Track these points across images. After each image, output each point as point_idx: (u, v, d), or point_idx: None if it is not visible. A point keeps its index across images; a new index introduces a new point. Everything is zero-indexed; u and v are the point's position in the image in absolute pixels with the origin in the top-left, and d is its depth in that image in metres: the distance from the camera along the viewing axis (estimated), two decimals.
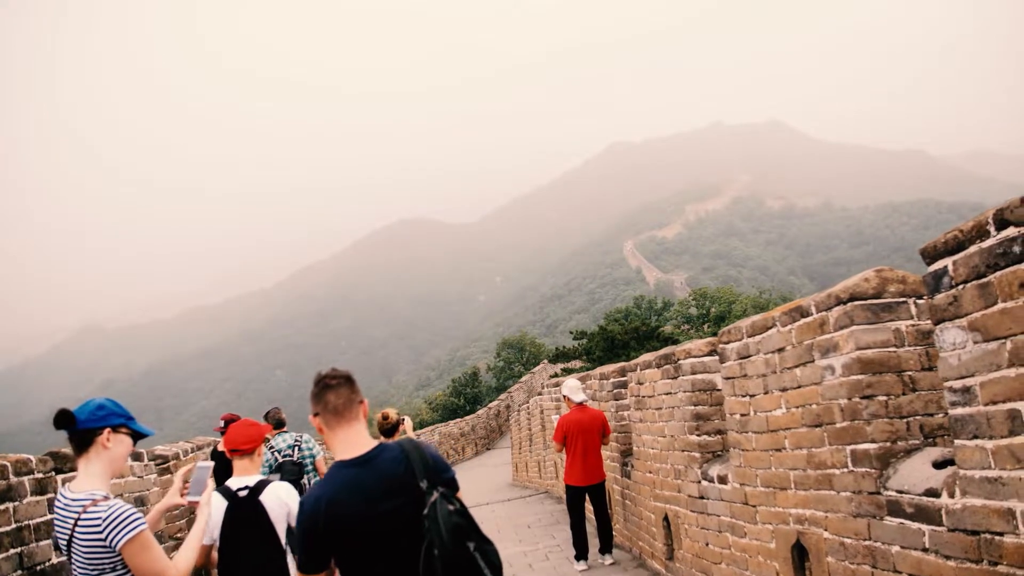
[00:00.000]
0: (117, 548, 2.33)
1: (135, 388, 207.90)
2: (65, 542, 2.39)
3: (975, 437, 2.23)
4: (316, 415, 2.34)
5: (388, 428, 5.50)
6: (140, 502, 5.05)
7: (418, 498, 2.21)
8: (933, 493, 2.49)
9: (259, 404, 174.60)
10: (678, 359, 4.64)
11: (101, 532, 2.32)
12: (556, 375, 25.97)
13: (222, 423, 6.43)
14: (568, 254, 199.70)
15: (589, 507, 6.59)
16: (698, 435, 4.48)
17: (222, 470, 5.76)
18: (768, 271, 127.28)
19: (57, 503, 2.44)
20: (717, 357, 4.15)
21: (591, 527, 6.85)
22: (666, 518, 5.14)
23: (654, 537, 5.50)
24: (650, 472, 5.42)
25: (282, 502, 3.39)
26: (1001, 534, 2.16)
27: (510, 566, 6.87)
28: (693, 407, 4.49)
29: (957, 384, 2.29)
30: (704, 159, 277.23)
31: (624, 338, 21.88)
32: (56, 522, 2.44)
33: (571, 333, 27.79)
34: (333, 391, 2.31)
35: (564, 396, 6.36)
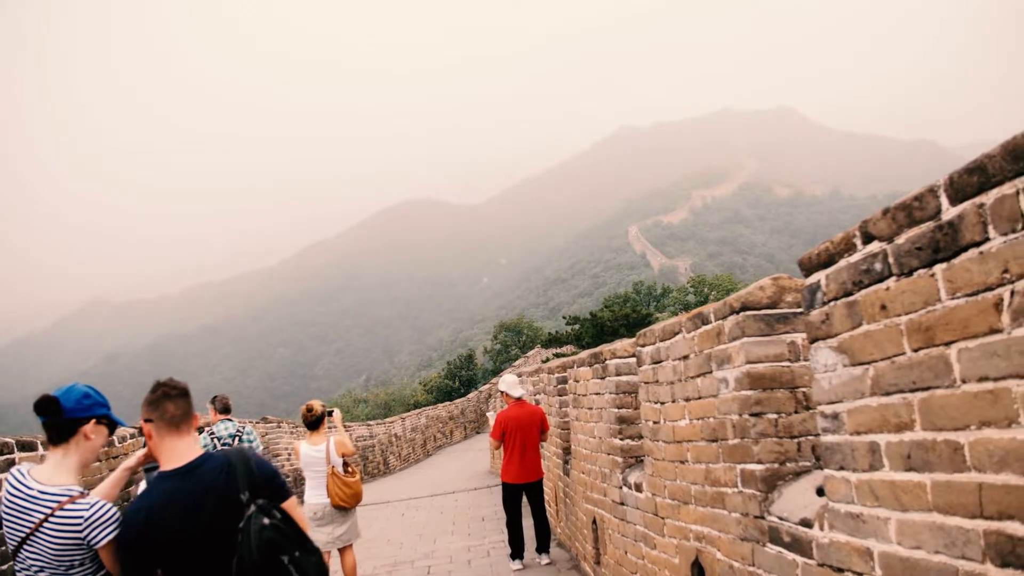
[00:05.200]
0: (98, 546, 2.24)
1: (138, 362, 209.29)
2: (23, 535, 2.24)
3: (841, 468, 2.05)
4: (148, 421, 2.30)
5: (312, 420, 5.38)
6: None
7: (237, 510, 2.22)
8: (807, 523, 2.31)
9: (261, 381, 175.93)
10: (605, 359, 4.46)
11: (81, 530, 2.22)
12: (548, 359, 25.79)
13: None
14: (573, 237, 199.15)
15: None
16: (621, 439, 4.31)
17: None
18: (774, 259, 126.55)
19: (13, 494, 2.29)
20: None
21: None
22: (594, 521, 4.99)
23: (585, 539, 5.36)
24: (583, 473, 5.26)
25: None
26: (861, 574, 1.99)
27: (450, 562, 6.79)
28: (617, 410, 4.32)
29: (828, 409, 2.11)
30: (712, 145, 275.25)
31: (614, 325, 21.69)
32: (12, 514, 2.28)
33: (564, 318, 27.60)
34: (173, 401, 2.31)
35: (502, 392, 6.20)
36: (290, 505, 2.37)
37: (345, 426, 18.36)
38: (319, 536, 5.44)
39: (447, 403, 28.81)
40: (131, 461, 2.77)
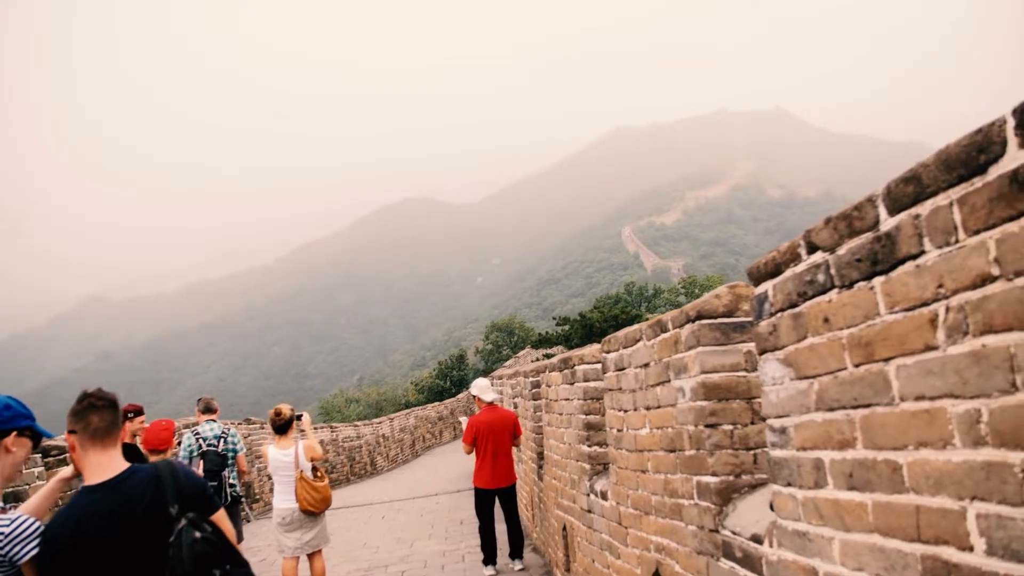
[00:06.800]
0: (20, 563, 2.16)
1: (135, 360, 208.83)
2: None
3: (789, 485, 1.99)
4: (72, 433, 2.24)
5: (281, 424, 5.32)
6: (15, 497, 4.83)
7: (167, 524, 2.17)
8: (758, 539, 2.25)
9: (256, 380, 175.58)
10: (574, 364, 4.40)
11: (2, 546, 2.13)
12: (538, 360, 25.70)
13: (129, 414, 6.21)
14: (568, 237, 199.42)
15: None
16: (589, 445, 4.24)
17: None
18: None
19: None
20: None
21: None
22: (565, 528, 4.93)
23: (557, 546, 5.30)
24: (555, 479, 5.20)
25: None
26: None
27: (424, 566, 6.74)
28: (585, 416, 4.26)
29: (776, 423, 2.04)
30: (707, 145, 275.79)
31: (603, 326, 21.62)
32: None
33: (554, 319, 27.51)
34: (98, 412, 2.23)
35: (474, 396, 6.14)
36: (219, 518, 2.34)
37: (331, 426, 18.28)
38: (288, 541, 5.36)
39: (436, 403, 28.76)
40: (66, 472, 2.69)
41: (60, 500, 3.05)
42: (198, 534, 2.18)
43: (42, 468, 5.29)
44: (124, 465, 2.25)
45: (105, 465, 2.21)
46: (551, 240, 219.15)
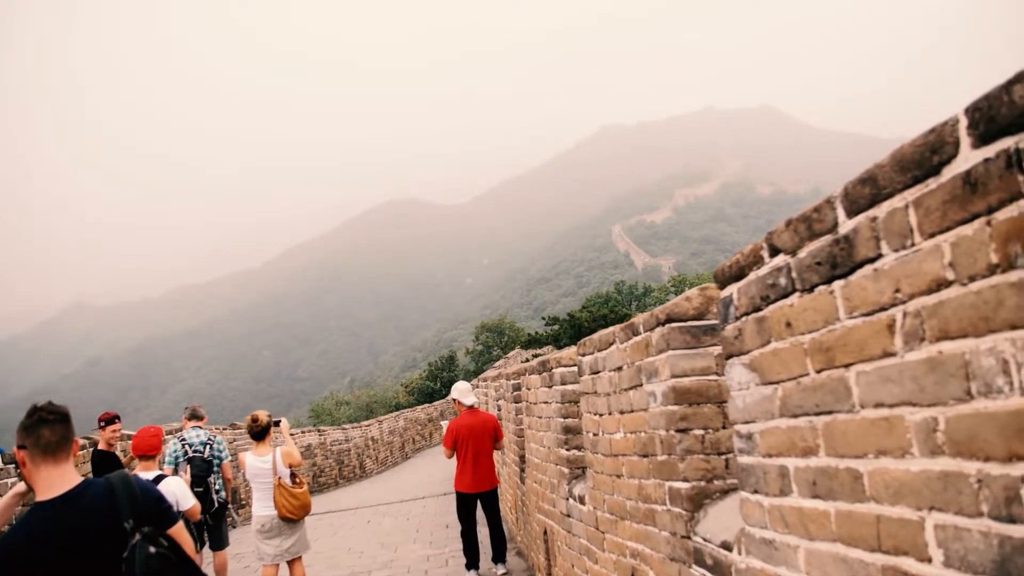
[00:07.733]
0: None
1: (122, 366, 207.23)
2: None
3: (756, 492, 1.95)
4: (22, 448, 2.17)
5: (258, 431, 5.26)
6: None
7: (121, 539, 2.13)
8: (727, 546, 2.21)
9: (245, 383, 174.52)
10: (552, 367, 4.35)
11: None
12: (527, 360, 25.64)
13: (102, 423, 6.15)
14: (557, 237, 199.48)
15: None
16: (567, 449, 4.20)
17: (103, 470, 5.60)
18: None
19: None
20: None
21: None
22: (545, 532, 4.89)
23: (539, 550, 5.26)
24: (536, 482, 5.16)
25: (171, 492, 4.10)
26: None
27: (408, 572, 6.69)
28: (563, 419, 4.22)
29: (743, 429, 2.01)
30: (696, 144, 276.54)
31: (592, 326, 21.60)
32: None
33: (543, 319, 27.47)
34: (48, 426, 2.17)
35: (454, 399, 6.10)
36: (176, 531, 2.31)
37: (319, 429, 18.18)
38: (267, 549, 5.31)
39: (426, 405, 28.68)
40: (20, 487, 2.63)
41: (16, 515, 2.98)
42: (152, 549, 2.14)
43: (15, 479, 5.20)
44: (77, 479, 2.20)
45: (57, 480, 2.16)
46: (541, 240, 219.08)
